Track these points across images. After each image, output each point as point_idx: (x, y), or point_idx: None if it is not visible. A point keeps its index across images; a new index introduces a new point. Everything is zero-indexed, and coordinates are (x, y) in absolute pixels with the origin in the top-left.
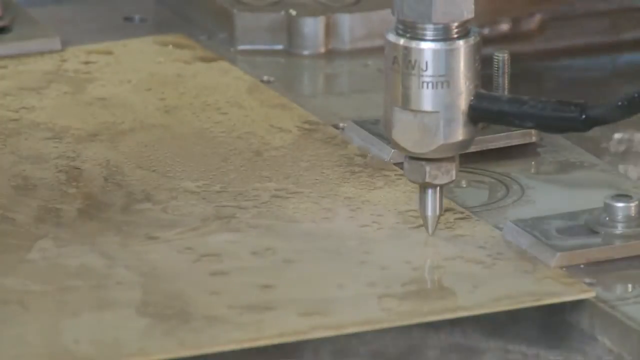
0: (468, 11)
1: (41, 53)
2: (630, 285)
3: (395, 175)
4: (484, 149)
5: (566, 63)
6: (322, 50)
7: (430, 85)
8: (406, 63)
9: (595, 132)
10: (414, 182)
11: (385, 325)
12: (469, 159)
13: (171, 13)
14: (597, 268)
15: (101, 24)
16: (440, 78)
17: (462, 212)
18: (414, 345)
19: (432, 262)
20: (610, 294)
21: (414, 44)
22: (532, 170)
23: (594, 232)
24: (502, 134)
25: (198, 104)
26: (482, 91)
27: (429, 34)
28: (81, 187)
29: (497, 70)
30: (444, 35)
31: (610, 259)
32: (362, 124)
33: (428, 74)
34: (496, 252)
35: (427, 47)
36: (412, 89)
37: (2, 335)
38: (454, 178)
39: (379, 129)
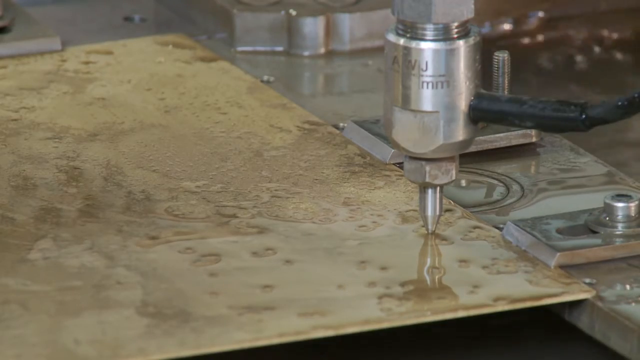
0: (468, 11)
1: (41, 53)
2: (630, 285)
3: (395, 175)
4: (484, 149)
5: (566, 62)
6: (322, 50)
7: (430, 85)
8: (406, 63)
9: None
10: (414, 182)
11: (385, 325)
12: (469, 159)
13: (171, 13)
14: (597, 268)
15: (101, 24)
16: (440, 78)
17: (462, 212)
18: None
19: (432, 262)
20: (610, 294)
21: (414, 44)
22: (532, 170)
23: (594, 232)
24: (502, 134)
25: (198, 104)
26: (482, 91)
27: (429, 33)
28: (81, 187)
29: (497, 70)
30: (444, 35)
31: (610, 259)
32: (362, 124)
33: (428, 74)
34: (496, 252)
35: (427, 47)
36: (412, 89)
37: (2, 335)
38: (454, 178)
39: (379, 129)
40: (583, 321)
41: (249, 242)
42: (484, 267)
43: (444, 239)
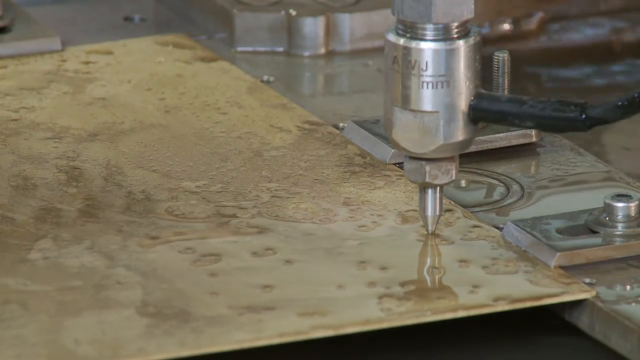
0: (468, 11)
1: (41, 53)
2: (630, 286)
3: (395, 175)
4: (484, 149)
5: (566, 63)
6: (322, 50)
7: (430, 85)
8: (406, 63)
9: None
10: (414, 182)
11: (385, 325)
12: (469, 159)
13: (171, 13)
14: (597, 268)
15: (101, 24)
16: (440, 78)
17: (462, 212)
18: None
19: (432, 262)
20: (610, 294)
21: (414, 43)
22: (532, 170)
23: (594, 232)
24: (502, 134)
25: (198, 104)
26: (482, 91)
27: (429, 34)
28: (81, 187)
29: (497, 70)
30: (444, 35)
31: (610, 259)
32: (362, 124)
33: (428, 74)
34: (496, 252)
35: (427, 47)
36: (412, 89)
37: (2, 335)
38: (454, 178)
39: (379, 129)
40: (583, 321)
41: (249, 242)
42: (484, 267)
43: (444, 239)
